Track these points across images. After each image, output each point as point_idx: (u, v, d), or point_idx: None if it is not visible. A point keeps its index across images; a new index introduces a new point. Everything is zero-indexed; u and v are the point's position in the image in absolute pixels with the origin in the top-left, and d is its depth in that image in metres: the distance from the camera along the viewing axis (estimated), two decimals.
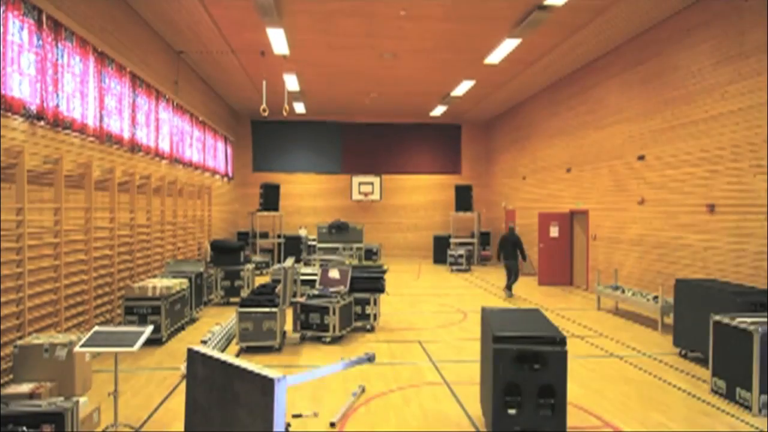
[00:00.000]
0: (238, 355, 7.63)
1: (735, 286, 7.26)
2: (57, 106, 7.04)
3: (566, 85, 14.80)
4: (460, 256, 18.03)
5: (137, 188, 9.72)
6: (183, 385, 6.35)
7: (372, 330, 9.10)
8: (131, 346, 4.59)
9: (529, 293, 13.33)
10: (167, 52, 12.00)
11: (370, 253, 19.37)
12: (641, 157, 11.21)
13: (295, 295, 9.75)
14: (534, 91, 16.69)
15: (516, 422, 4.49)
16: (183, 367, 6.71)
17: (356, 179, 20.88)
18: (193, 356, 3.16)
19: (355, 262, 17.69)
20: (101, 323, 8.26)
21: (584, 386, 6.37)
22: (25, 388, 5.16)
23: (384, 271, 9.31)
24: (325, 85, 16.12)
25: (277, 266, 11.98)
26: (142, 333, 4.80)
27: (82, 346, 4.64)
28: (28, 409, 4.21)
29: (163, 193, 11.07)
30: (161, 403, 5.77)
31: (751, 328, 5.59)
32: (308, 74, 14.76)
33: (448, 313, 10.83)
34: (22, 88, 6.24)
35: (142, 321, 8.07)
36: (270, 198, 19.23)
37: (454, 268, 18.08)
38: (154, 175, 10.68)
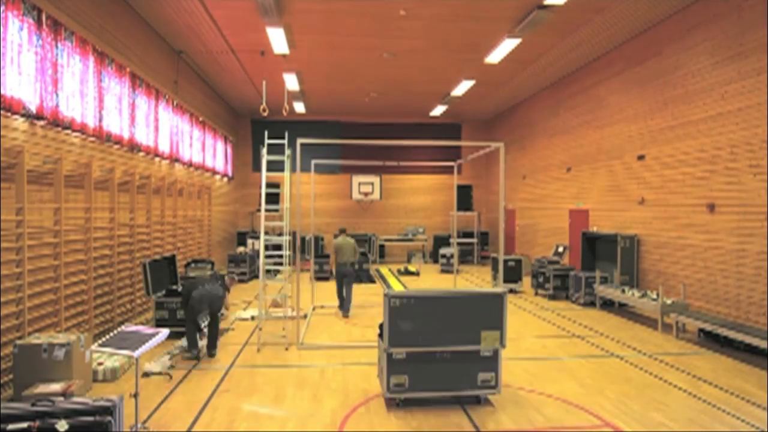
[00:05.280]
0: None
1: None
2: (57, 105, 7.03)
3: (566, 84, 14.79)
4: (452, 256, 17.44)
5: (137, 188, 9.71)
6: (183, 385, 6.35)
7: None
8: (136, 349, 4.61)
9: (530, 293, 13.33)
10: (167, 52, 11.99)
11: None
12: (641, 157, 11.21)
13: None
14: (534, 90, 16.69)
15: None
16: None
17: (356, 179, 20.87)
18: None
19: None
20: (101, 323, 8.27)
21: (584, 386, 6.37)
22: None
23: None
24: (325, 85, 16.11)
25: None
26: (155, 335, 4.81)
27: (101, 345, 4.68)
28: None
29: (163, 193, 11.07)
30: (161, 403, 5.76)
31: None
32: (308, 74, 14.75)
33: None
34: (21, 87, 6.23)
35: (172, 316, 8.55)
36: (270, 197, 19.22)
37: (444, 267, 17.64)
38: (154, 175, 10.67)
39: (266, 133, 9.88)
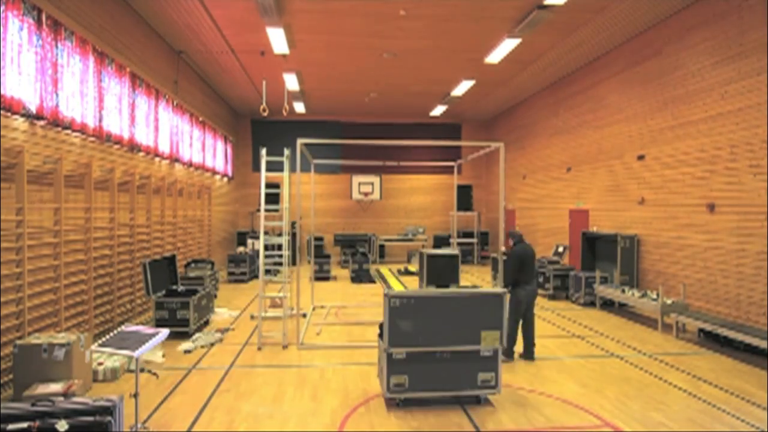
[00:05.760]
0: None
1: None
2: (57, 105, 7.03)
3: (566, 84, 14.79)
4: None
5: (137, 188, 9.71)
6: (183, 385, 6.35)
7: None
8: (136, 348, 4.59)
9: None
10: (167, 52, 11.99)
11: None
12: (641, 157, 11.21)
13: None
14: (534, 90, 16.68)
15: None
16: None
17: (356, 179, 20.87)
18: None
19: None
20: (101, 323, 8.27)
21: (584, 386, 6.37)
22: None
23: None
24: (325, 85, 16.11)
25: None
26: (155, 335, 4.79)
27: (101, 345, 4.66)
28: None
29: (163, 193, 11.06)
30: (161, 403, 5.77)
31: None
32: (308, 74, 14.76)
33: None
34: (21, 87, 6.23)
35: (172, 316, 8.48)
36: (270, 198, 19.24)
37: None
38: (154, 175, 10.67)
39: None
